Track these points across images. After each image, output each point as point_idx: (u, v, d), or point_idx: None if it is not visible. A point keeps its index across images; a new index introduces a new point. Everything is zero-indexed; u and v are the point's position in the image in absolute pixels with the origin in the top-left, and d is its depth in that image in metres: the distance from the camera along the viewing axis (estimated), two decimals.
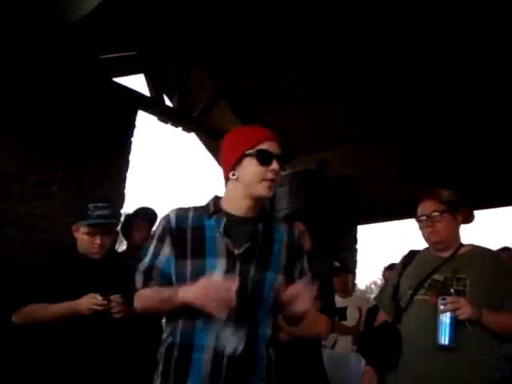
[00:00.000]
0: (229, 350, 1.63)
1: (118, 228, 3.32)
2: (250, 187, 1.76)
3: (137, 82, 5.54)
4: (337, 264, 4.95)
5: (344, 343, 4.52)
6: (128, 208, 4.90)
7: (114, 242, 2.90)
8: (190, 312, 1.65)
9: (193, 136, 6.10)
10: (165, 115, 5.21)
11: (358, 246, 6.61)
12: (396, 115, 5.36)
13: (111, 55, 4.83)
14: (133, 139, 4.31)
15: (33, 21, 3.73)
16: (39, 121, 3.73)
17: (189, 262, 1.71)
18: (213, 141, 6.30)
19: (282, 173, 6.14)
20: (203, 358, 1.63)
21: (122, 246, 4.46)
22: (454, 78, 4.71)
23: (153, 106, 5.08)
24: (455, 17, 4.16)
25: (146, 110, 4.93)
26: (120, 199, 4.07)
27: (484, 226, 14.38)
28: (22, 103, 3.67)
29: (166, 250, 1.77)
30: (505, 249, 3.68)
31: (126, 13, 4.27)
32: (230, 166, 1.79)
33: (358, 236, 6.71)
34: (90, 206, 2.65)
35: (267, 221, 1.83)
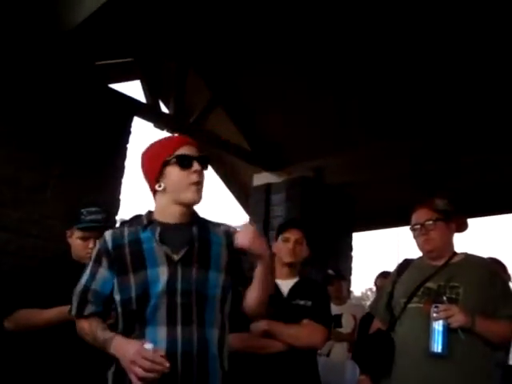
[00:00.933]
0: (182, 354, 1.64)
1: None
2: (177, 194, 1.79)
3: (133, 89, 5.55)
4: (330, 272, 4.95)
5: (339, 350, 4.51)
6: (123, 214, 4.90)
7: None
8: (141, 321, 1.69)
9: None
10: (161, 122, 5.21)
11: (353, 254, 6.60)
12: (393, 122, 5.37)
13: (107, 61, 4.85)
14: (128, 146, 4.30)
15: (29, 27, 3.74)
16: (35, 126, 3.72)
17: (131, 276, 1.72)
18: (209, 147, 6.31)
19: (279, 179, 6.16)
20: None
21: None
22: (453, 84, 4.72)
23: (149, 112, 5.08)
24: (458, 19, 4.16)
25: (141, 116, 4.93)
26: (115, 205, 4.06)
27: (478, 234, 14.40)
28: (18, 108, 3.67)
29: (102, 272, 1.78)
30: (491, 259, 3.68)
31: (123, 19, 4.27)
32: (153, 177, 1.82)
33: (354, 243, 6.71)
34: (83, 210, 2.66)
35: (202, 225, 1.86)
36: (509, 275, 3.80)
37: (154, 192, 1.84)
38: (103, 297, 1.77)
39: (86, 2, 3.58)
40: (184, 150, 1.80)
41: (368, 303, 4.14)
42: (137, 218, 2.04)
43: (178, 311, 1.68)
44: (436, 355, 2.19)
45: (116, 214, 4.03)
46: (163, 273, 1.69)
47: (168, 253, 1.73)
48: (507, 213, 6.55)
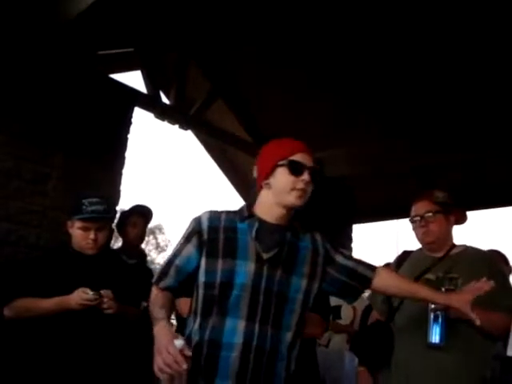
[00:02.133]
0: (255, 348, 1.72)
1: (114, 225, 3.33)
2: (280, 196, 1.85)
3: (134, 79, 5.54)
4: None
5: (338, 342, 4.53)
6: (124, 205, 4.92)
7: (109, 239, 2.90)
8: (222, 309, 1.75)
9: (190, 134, 6.10)
10: (161, 112, 5.20)
11: (353, 245, 6.63)
12: (393, 116, 5.37)
13: (108, 51, 4.83)
14: (129, 136, 4.30)
15: (29, 17, 3.72)
16: (35, 117, 3.72)
17: (220, 261, 1.78)
18: (210, 138, 6.30)
19: None
20: (232, 355, 1.70)
21: (117, 243, 4.45)
22: (450, 79, 4.73)
23: (149, 103, 5.06)
24: (451, 17, 4.17)
25: (142, 107, 4.92)
26: (116, 196, 4.06)
27: (477, 227, 14.40)
28: (18, 99, 3.66)
29: (190, 250, 1.84)
30: (492, 251, 3.68)
31: (124, 9, 4.27)
32: (264, 174, 1.89)
33: (354, 235, 6.73)
34: (85, 201, 2.66)
35: (294, 231, 1.92)
36: (510, 267, 3.81)
37: (260, 187, 1.91)
38: (185, 273, 1.84)
39: None
40: (299, 157, 1.86)
41: (367, 295, 4.15)
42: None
43: (259, 309, 1.75)
44: (434, 346, 2.21)
45: (116, 205, 4.04)
46: (250, 268, 1.76)
47: (259, 250, 1.79)
48: (509, 205, 6.54)
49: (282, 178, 1.85)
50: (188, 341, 1.75)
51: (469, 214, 2.67)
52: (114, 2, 3.79)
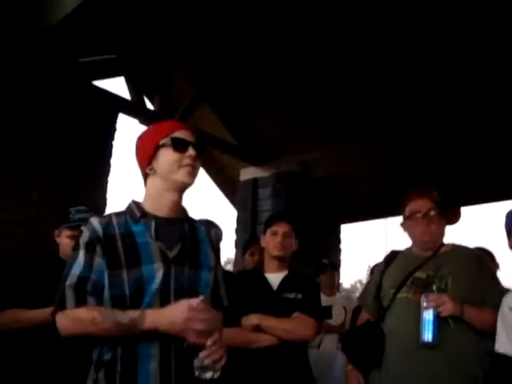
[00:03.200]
0: (174, 353, 1.60)
1: None
2: (169, 176, 1.72)
3: (117, 85, 5.51)
4: (325, 261, 4.99)
5: (330, 342, 4.53)
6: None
7: None
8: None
9: None
10: (146, 118, 5.18)
11: (341, 246, 6.64)
12: (376, 114, 5.39)
13: (91, 58, 4.80)
14: (114, 143, 4.28)
15: (11, 23, 3.68)
16: (18, 126, 3.68)
17: (124, 271, 1.60)
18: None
19: (266, 174, 6.16)
20: (150, 366, 1.57)
21: None
22: (438, 79, 4.75)
23: (134, 109, 5.05)
24: (442, 17, 4.19)
25: (126, 113, 4.90)
26: (102, 204, 4.04)
27: (467, 223, 14.53)
28: (0, 108, 3.62)
29: (98, 261, 1.62)
30: (479, 249, 3.71)
31: (106, 15, 4.23)
32: (145, 160, 1.76)
33: (342, 235, 6.75)
34: (72, 209, 2.65)
35: (191, 222, 1.82)
36: (497, 264, 3.83)
37: (145, 176, 1.79)
38: (99, 288, 1.62)
39: None
40: (180, 134, 1.75)
41: (357, 295, 4.21)
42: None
43: None
44: (426, 344, 2.20)
45: (103, 212, 4.00)
46: (159, 270, 1.62)
47: (163, 249, 1.66)
48: (494, 201, 6.59)
49: (166, 157, 1.72)
50: (99, 364, 1.61)
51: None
52: (96, 8, 3.75)
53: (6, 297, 2.54)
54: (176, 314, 1.54)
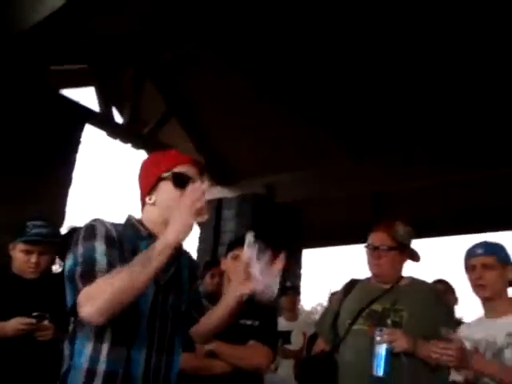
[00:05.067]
0: (152, 380, 1.59)
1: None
2: (167, 213, 1.64)
3: (87, 96, 5.44)
4: (288, 284, 4.99)
5: (286, 367, 4.51)
6: (69, 225, 4.77)
7: (52, 263, 2.80)
8: (128, 338, 1.57)
9: (143, 153, 6.01)
10: (114, 131, 5.13)
11: (302, 271, 6.65)
12: (344, 141, 5.47)
13: (62, 67, 4.73)
14: (77, 155, 4.19)
15: None
16: None
17: None
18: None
19: (231, 195, 6.14)
20: (139, 371, 1.56)
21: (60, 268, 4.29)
22: (408, 104, 4.84)
23: (101, 121, 4.98)
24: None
25: (94, 124, 4.84)
26: (61, 217, 3.94)
27: (431, 255, 14.82)
28: None
29: (117, 254, 1.56)
30: (439, 281, 3.78)
31: (80, 24, 4.18)
32: (146, 190, 1.73)
33: (305, 259, 6.77)
34: (29, 223, 2.58)
35: (177, 249, 1.74)
36: (456, 297, 3.89)
37: (143, 204, 1.75)
38: None
39: (41, 5, 3.48)
40: (184, 169, 1.70)
41: (317, 317, 4.24)
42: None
43: (156, 336, 1.62)
44: (378, 379, 2.21)
45: (61, 225, 3.91)
46: (150, 294, 1.60)
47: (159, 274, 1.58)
48: (458, 234, 6.73)
49: (166, 192, 1.68)
50: (90, 372, 1.53)
51: (419, 242, 2.70)
52: (69, 17, 3.71)
53: None
54: (178, 212, 1.48)
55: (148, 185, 1.72)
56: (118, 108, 5.51)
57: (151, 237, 1.66)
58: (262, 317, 2.64)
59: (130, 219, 1.74)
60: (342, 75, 4.82)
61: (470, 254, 2.29)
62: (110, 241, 1.56)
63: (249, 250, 1.66)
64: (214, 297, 2.81)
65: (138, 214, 1.77)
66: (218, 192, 6.29)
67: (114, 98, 5.32)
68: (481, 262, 2.22)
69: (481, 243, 2.30)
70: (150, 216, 1.73)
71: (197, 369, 2.44)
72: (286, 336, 4.51)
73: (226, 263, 2.78)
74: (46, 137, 3.96)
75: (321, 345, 2.65)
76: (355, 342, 2.40)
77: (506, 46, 4.12)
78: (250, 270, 1.63)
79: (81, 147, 4.22)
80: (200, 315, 1.83)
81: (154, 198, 1.71)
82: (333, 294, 4.88)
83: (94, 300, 1.44)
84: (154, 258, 1.44)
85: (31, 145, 3.86)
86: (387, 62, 4.55)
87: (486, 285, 2.19)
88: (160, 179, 1.70)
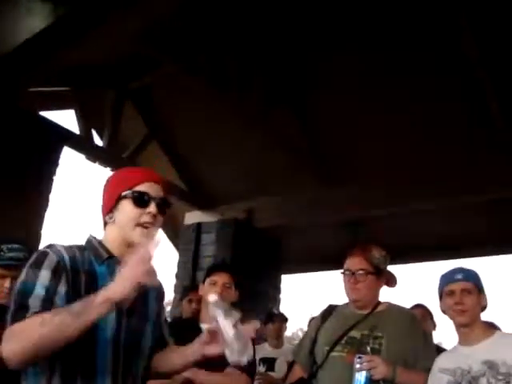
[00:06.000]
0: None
1: None
2: (124, 232, 1.62)
3: (66, 118, 5.41)
4: (275, 311, 4.95)
5: None
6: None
7: None
8: (88, 369, 1.48)
9: None
10: (93, 154, 5.09)
11: (281, 296, 6.61)
12: (322, 165, 5.50)
13: (43, 89, 4.69)
14: (55, 178, 4.14)
15: None
16: None
17: None
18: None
19: (211, 219, 6.11)
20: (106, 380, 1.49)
21: None
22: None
23: (81, 143, 4.95)
24: None
25: (73, 147, 4.80)
26: (35, 239, 3.86)
27: (409, 281, 14.88)
28: None
29: (62, 290, 1.47)
30: (417, 306, 3.77)
31: (60, 46, 4.18)
32: (107, 208, 1.67)
33: (284, 284, 6.73)
34: (3, 246, 2.51)
35: None
36: (434, 322, 3.88)
37: (105, 223, 1.69)
38: None
39: (20, 28, 3.48)
40: (145, 188, 1.64)
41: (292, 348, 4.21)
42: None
43: (121, 364, 1.55)
44: None
45: (36, 248, 3.83)
46: (112, 320, 1.53)
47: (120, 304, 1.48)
48: (435, 260, 6.76)
49: (125, 211, 1.62)
50: None
51: (396, 267, 2.70)
52: (48, 41, 3.70)
53: None
54: (123, 274, 1.40)
55: (109, 203, 1.67)
56: (97, 131, 5.49)
57: (111, 258, 1.62)
58: None
59: (89, 240, 1.67)
60: (316, 94, 4.88)
61: (449, 279, 2.30)
62: (57, 272, 1.48)
63: (216, 311, 1.56)
64: (192, 323, 2.77)
65: (100, 235, 1.71)
66: (199, 216, 6.26)
67: (94, 121, 5.30)
68: (461, 288, 2.22)
69: (458, 269, 2.31)
70: (109, 235, 1.67)
71: None
72: (271, 362, 4.45)
73: (204, 289, 2.76)
74: (23, 158, 3.90)
75: (297, 372, 2.62)
76: (333, 369, 2.37)
77: None
78: (220, 334, 1.53)
79: (59, 170, 4.18)
80: (161, 345, 1.76)
81: (114, 216, 1.65)
82: (312, 320, 4.85)
83: (16, 341, 1.35)
84: (92, 308, 1.36)
85: (6, 167, 3.79)
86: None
87: (466, 310, 2.19)
88: (121, 198, 1.64)
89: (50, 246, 1.55)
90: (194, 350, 1.64)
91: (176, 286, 6.06)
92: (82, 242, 1.67)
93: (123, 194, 1.63)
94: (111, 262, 1.60)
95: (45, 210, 3.99)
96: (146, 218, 1.61)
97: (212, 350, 1.58)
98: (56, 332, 1.34)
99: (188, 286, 4.64)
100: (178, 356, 1.72)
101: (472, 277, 2.27)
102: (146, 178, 1.68)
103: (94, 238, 1.68)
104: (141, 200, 1.62)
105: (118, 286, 1.38)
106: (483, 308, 2.26)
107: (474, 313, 2.21)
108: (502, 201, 5.00)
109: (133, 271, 1.38)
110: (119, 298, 1.37)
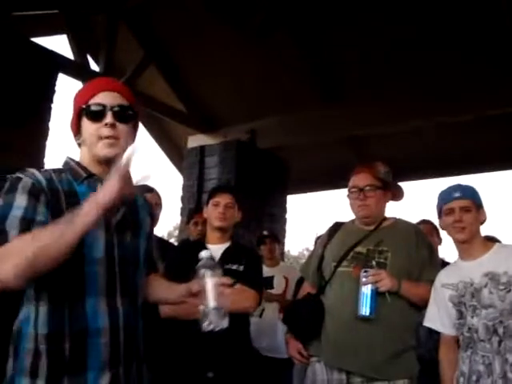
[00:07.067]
0: (123, 328, 1.51)
1: None
2: (91, 149, 1.54)
3: (59, 43, 5.24)
4: (265, 232, 5.00)
5: (271, 312, 4.58)
6: None
7: None
8: (78, 290, 1.45)
9: None
10: (89, 79, 4.94)
11: (287, 216, 6.68)
12: (328, 83, 5.39)
13: (30, 13, 4.51)
14: (52, 105, 4.05)
15: None
16: None
17: None
18: (142, 108, 6.10)
19: (213, 142, 6.07)
20: (101, 341, 1.46)
21: None
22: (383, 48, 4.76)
23: (76, 69, 4.81)
24: None
25: (68, 73, 4.67)
26: (39, 168, 3.84)
27: (416, 198, 15.01)
28: None
29: (42, 209, 1.42)
30: (423, 221, 3.78)
31: None
32: (74, 130, 1.60)
33: (289, 205, 6.78)
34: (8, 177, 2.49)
35: None
36: (440, 238, 3.92)
37: (78, 144, 1.61)
38: None
39: None
40: (99, 99, 1.53)
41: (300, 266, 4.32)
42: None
43: (117, 281, 1.52)
44: (364, 318, 2.25)
45: None
46: (101, 237, 1.49)
47: (106, 215, 1.42)
48: (443, 176, 6.75)
49: (85, 128, 1.54)
50: (33, 341, 1.42)
51: (403, 184, 2.69)
52: None
53: None
54: (105, 187, 1.34)
55: (73, 123, 1.59)
56: (93, 55, 5.32)
57: (91, 177, 1.55)
58: (247, 261, 2.67)
59: (67, 162, 1.59)
60: (317, 15, 4.69)
61: (447, 197, 2.29)
62: (34, 194, 1.42)
63: (205, 271, 1.58)
64: (199, 244, 2.80)
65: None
66: (201, 140, 6.22)
67: (88, 45, 5.13)
68: (459, 205, 2.22)
69: (456, 186, 2.30)
70: (83, 156, 1.59)
71: (183, 314, 2.45)
72: (269, 281, 4.56)
73: (208, 211, 2.79)
74: (18, 87, 3.80)
75: (306, 288, 2.67)
76: (341, 283, 2.41)
77: None
78: (203, 296, 1.56)
79: (56, 97, 4.08)
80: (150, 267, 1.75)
81: (81, 136, 1.57)
82: (318, 238, 4.92)
83: (8, 260, 1.30)
84: (80, 217, 1.31)
85: (3, 96, 3.70)
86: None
87: (465, 227, 2.20)
88: (81, 116, 1.55)
89: (22, 171, 1.48)
90: (182, 293, 1.65)
91: (182, 209, 6.12)
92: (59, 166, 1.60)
93: (81, 109, 1.55)
94: (91, 181, 1.54)
95: (45, 139, 3.94)
96: (104, 131, 1.51)
97: (193, 302, 1.61)
98: (49, 244, 1.30)
99: (193, 208, 4.67)
100: (168, 291, 1.74)
101: (470, 193, 2.27)
102: (100, 88, 1.57)
103: (71, 159, 1.60)
104: (94, 113, 1.52)
105: (105, 190, 1.33)
106: (482, 222, 2.27)
107: (473, 229, 2.22)
108: (502, 116, 4.91)
109: (115, 183, 1.32)
110: (107, 201, 1.32)
